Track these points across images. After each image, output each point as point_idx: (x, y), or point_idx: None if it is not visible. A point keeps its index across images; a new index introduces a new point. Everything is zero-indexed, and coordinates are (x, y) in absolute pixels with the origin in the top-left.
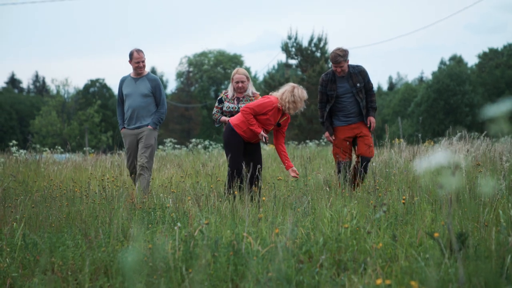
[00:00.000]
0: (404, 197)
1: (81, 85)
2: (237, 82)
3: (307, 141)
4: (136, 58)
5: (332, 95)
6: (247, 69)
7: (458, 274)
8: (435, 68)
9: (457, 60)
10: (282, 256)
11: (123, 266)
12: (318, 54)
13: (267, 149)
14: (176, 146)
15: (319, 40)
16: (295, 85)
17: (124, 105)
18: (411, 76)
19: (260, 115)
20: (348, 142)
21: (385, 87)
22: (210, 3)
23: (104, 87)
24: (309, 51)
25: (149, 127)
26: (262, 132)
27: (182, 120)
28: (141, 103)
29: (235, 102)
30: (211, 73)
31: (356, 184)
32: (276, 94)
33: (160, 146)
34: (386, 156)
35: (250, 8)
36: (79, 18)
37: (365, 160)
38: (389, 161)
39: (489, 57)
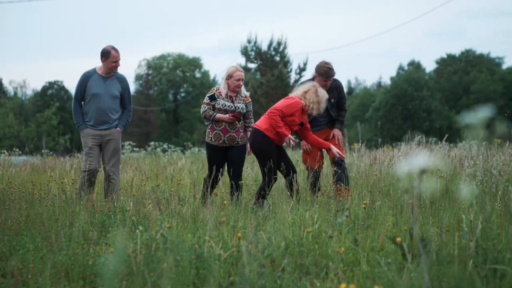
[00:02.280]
0: (365, 202)
1: (39, 87)
2: (238, 80)
3: None
4: (114, 57)
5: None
6: (206, 73)
7: (422, 278)
8: (394, 74)
9: (415, 66)
10: (245, 259)
11: (105, 271)
12: (278, 58)
13: None
14: (135, 149)
15: (279, 44)
16: (316, 84)
17: (84, 104)
18: (369, 81)
19: (286, 116)
20: (318, 149)
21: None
22: (170, 7)
23: (62, 90)
24: (268, 55)
25: (118, 129)
26: (289, 135)
27: (140, 123)
28: (110, 105)
29: (230, 100)
30: (170, 76)
31: (339, 190)
32: (297, 94)
33: None
34: (346, 160)
35: (211, 12)
36: (37, 20)
37: (340, 162)
38: (349, 165)
39: (447, 63)
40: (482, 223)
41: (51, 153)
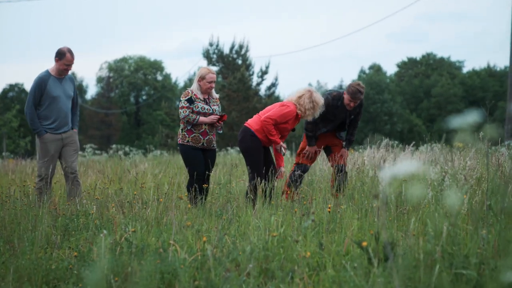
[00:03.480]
0: (329, 206)
1: None
2: (211, 82)
3: (228, 147)
4: (68, 60)
5: (329, 118)
6: (168, 76)
7: (388, 283)
8: (355, 77)
9: (376, 69)
10: (210, 264)
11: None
12: (240, 61)
13: None
14: (96, 152)
15: (240, 47)
16: (312, 89)
17: (43, 107)
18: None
19: (280, 124)
20: (319, 149)
21: None
22: (131, 9)
23: (23, 92)
24: (230, 58)
25: (75, 130)
26: (281, 143)
27: (102, 125)
28: (68, 106)
29: (205, 103)
30: (132, 78)
31: (339, 190)
32: (291, 99)
33: (80, 152)
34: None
35: (172, 14)
36: None
37: (342, 168)
38: (312, 169)
39: (408, 66)
40: (447, 227)
41: (12, 156)
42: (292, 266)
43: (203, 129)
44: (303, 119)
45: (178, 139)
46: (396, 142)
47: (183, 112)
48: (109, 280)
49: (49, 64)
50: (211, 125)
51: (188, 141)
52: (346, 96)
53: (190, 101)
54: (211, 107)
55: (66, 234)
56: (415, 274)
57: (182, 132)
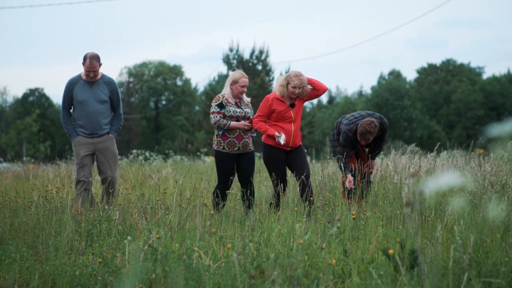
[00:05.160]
0: (353, 212)
1: (19, 94)
2: (243, 86)
3: None
4: (87, 67)
5: (353, 150)
6: (188, 81)
7: None
8: (375, 83)
9: (395, 75)
10: (235, 271)
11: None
12: (260, 67)
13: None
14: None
15: (261, 52)
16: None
17: (73, 111)
18: (350, 90)
19: (270, 114)
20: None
21: (324, 100)
22: (151, 15)
23: (43, 96)
24: (250, 64)
25: (111, 135)
26: (276, 133)
27: (121, 130)
28: (99, 110)
29: (237, 106)
30: (151, 83)
31: (362, 197)
32: (274, 90)
33: None
34: (330, 170)
35: (193, 20)
36: (18, 26)
37: (366, 175)
38: (333, 175)
39: (428, 72)
40: (475, 235)
41: (32, 160)
42: (317, 274)
43: (237, 133)
44: (282, 95)
45: (214, 145)
46: (417, 148)
47: (214, 118)
48: (134, 287)
49: (70, 69)
50: (246, 129)
51: (223, 148)
52: (358, 131)
53: (221, 106)
54: (243, 110)
55: (89, 240)
56: (443, 283)
57: (217, 138)
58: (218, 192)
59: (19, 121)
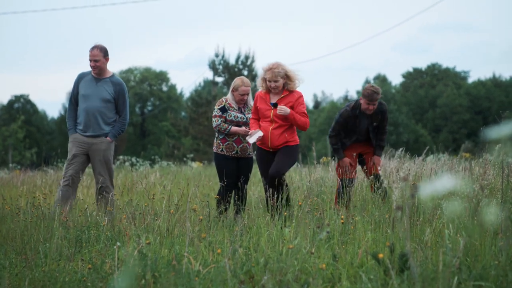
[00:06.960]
0: (342, 217)
1: (5, 101)
2: (243, 95)
3: None
4: (89, 56)
5: (351, 129)
6: (173, 86)
7: None
8: (360, 87)
9: (381, 79)
10: (224, 276)
11: None
12: (246, 72)
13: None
14: None
15: (246, 57)
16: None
17: (77, 106)
18: (336, 94)
19: (258, 111)
20: (354, 155)
21: (310, 105)
22: (137, 20)
23: (28, 103)
24: (236, 69)
25: (108, 139)
26: (252, 131)
27: None
28: (99, 108)
29: (240, 112)
30: (137, 89)
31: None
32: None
33: None
34: (318, 174)
35: (177, 25)
36: (2, 33)
37: (378, 176)
38: (320, 179)
39: (413, 77)
40: (465, 239)
41: (18, 167)
42: (307, 278)
43: (236, 137)
44: (265, 91)
45: (213, 148)
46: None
47: (215, 122)
48: None
49: (55, 75)
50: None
51: (222, 150)
52: (363, 101)
53: (223, 109)
54: (245, 115)
55: (78, 246)
56: (433, 286)
57: (217, 140)
58: (221, 191)
59: (4, 128)
